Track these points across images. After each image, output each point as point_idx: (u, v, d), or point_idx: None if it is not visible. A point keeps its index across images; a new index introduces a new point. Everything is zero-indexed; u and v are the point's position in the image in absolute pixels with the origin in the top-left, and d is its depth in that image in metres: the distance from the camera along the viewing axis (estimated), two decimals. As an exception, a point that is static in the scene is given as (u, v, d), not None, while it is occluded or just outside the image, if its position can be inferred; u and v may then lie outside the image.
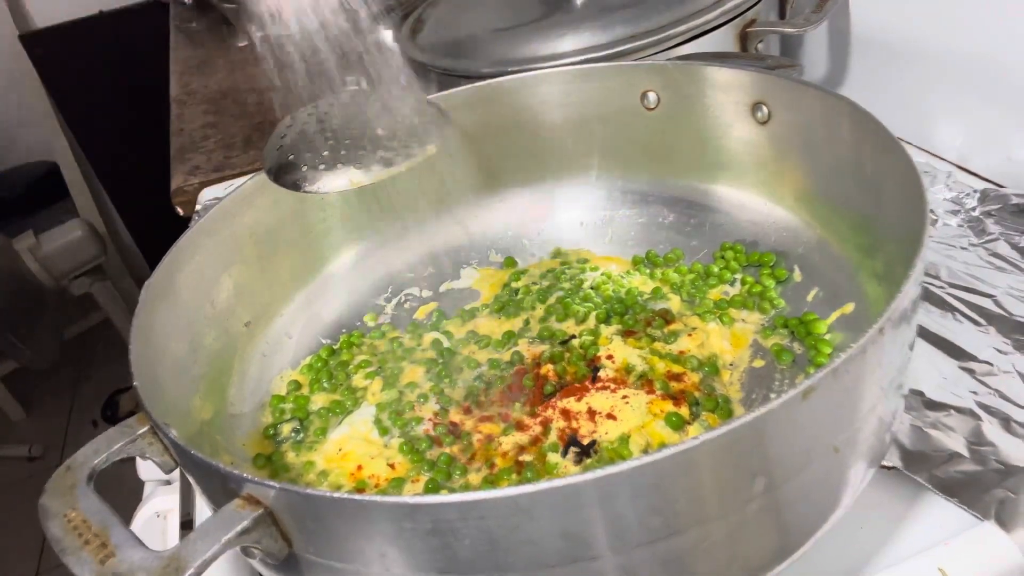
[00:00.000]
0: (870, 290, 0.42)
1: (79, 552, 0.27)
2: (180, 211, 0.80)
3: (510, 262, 0.57)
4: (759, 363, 0.45)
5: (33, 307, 1.55)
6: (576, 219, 0.58)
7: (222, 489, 0.28)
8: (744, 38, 0.59)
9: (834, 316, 0.44)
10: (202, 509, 0.46)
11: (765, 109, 0.48)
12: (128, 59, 1.61)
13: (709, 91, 0.50)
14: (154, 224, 0.83)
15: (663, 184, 0.56)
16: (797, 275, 0.48)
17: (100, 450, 0.31)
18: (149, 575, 0.26)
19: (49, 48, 1.62)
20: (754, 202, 0.51)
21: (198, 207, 0.76)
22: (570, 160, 0.57)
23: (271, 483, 0.27)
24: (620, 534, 0.26)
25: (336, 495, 0.26)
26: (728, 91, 0.49)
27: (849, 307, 0.44)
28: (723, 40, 0.59)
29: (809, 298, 0.47)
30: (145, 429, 0.32)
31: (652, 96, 0.53)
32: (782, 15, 0.63)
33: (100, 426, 1.70)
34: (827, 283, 0.46)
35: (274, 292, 0.51)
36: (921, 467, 0.38)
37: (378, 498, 0.25)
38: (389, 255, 0.57)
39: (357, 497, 0.26)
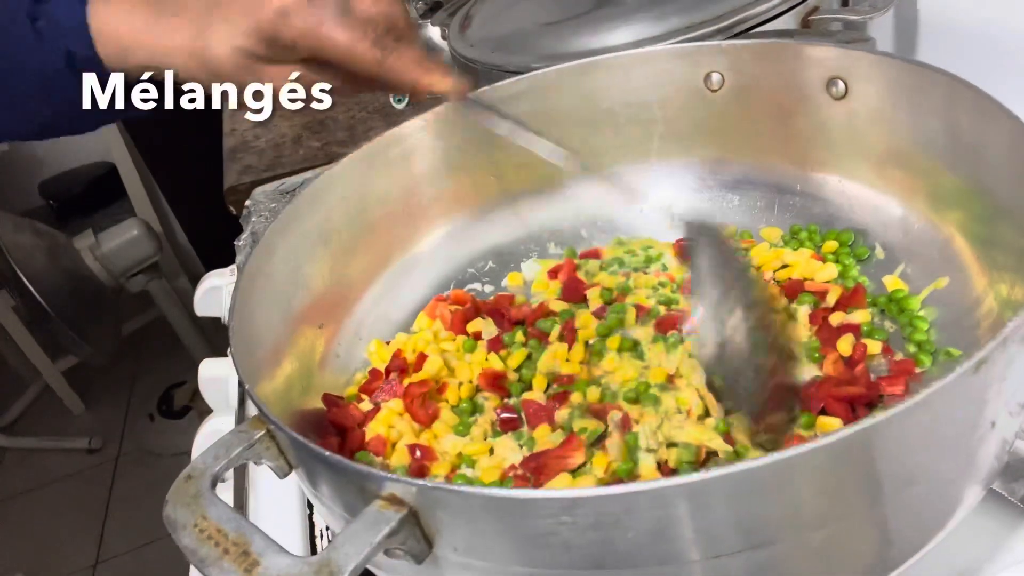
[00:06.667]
0: (968, 263, 0.41)
1: (220, 562, 0.26)
2: (233, 210, 0.79)
3: (571, 253, 0.56)
4: (849, 344, 0.44)
5: (92, 304, 1.57)
6: (636, 206, 0.57)
7: (358, 491, 0.27)
8: (806, 26, 0.58)
9: (926, 291, 0.43)
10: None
11: (841, 84, 0.46)
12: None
13: (778, 68, 0.49)
14: (207, 223, 0.83)
15: (728, 166, 0.55)
16: (880, 252, 0.47)
17: (220, 456, 0.30)
18: (299, 583, 0.25)
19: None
20: (828, 180, 0.50)
21: (248, 202, 0.76)
22: (629, 146, 0.56)
23: (415, 481, 0.26)
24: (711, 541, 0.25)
25: (490, 491, 0.25)
26: (799, 67, 0.48)
27: (943, 281, 0.43)
28: (784, 29, 0.58)
29: (896, 275, 0.46)
30: (261, 433, 0.31)
31: (716, 77, 0.51)
32: (845, 2, 0.62)
33: (156, 420, 1.74)
34: (915, 258, 0.45)
35: (343, 293, 0.50)
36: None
37: (536, 493, 0.25)
38: (450, 251, 0.56)
39: (513, 493, 0.25)
